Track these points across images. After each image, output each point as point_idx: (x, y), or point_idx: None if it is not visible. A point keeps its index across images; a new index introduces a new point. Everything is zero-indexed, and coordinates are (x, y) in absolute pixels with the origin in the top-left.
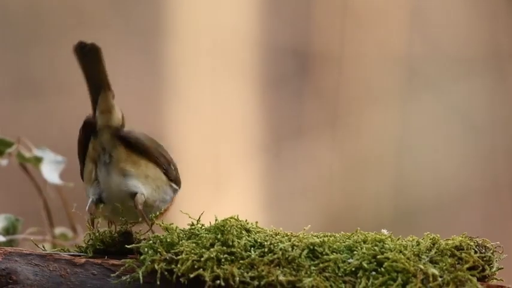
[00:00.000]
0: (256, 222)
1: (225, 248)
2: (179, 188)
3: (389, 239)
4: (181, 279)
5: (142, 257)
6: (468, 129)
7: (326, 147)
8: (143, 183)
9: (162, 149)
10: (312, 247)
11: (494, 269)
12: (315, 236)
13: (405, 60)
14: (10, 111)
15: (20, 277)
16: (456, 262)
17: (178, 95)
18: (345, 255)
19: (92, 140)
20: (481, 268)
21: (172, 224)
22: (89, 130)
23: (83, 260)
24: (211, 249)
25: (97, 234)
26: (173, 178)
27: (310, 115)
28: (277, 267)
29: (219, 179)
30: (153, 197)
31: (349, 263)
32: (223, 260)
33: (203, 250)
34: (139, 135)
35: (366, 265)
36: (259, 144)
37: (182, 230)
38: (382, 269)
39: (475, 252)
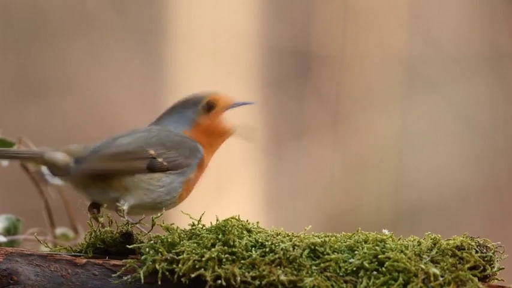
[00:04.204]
0: (258, 223)
1: (226, 248)
2: (184, 167)
3: (390, 239)
4: (182, 279)
5: (143, 257)
6: (469, 129)
7: (327, 148)
8: (125, 194)
9: (138, 149)
10: (313, 247)
11: (495, 269)
12: (316, 236)
13: (405, 61)
14: (11, 112)
15: (21, 277)
16: (457, 262)
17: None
18: (346, 255)
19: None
20: (482, 268)
21: (173, 224)
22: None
23: (84, 261)
24: (213, 249)
25: (98, 233)
26: (168, 168)
27: (311, 116)
28: (279, 267)
29: (220, 179)
30: (147, 197)
31: (350, 263)
32: (224, 260)
33: (204, 250)
34: (96, 159)
35: (367, 265)
36: (260, 145)
37: (183, 230)
38: (383, 269)
39: (476, 252)
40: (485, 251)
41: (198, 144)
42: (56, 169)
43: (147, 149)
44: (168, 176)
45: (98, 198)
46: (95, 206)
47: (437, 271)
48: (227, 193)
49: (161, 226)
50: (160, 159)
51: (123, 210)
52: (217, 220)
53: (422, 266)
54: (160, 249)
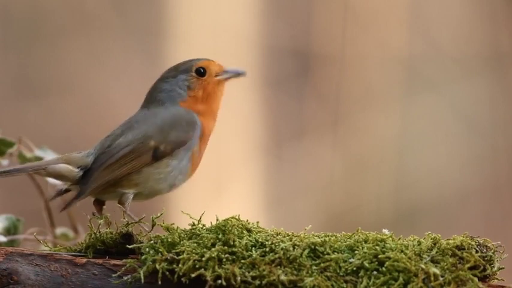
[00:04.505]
0: (258, 222)
1: (226, 247)
2: (187, 142)
3: (390, 238)
4: (182, 279)
5: (143, 257)
6: (469, 129)
7: (327, 148)
8: (135, 189)
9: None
10: (313, 247)
11: (495, 269)
12: (316, 236)
13: (405, 61)
14: (11, 112)
15: (21, 277)
16: (457, 262)
17: None
18: (346, 254)
19: None
20: (482, 268)
21: (173, 224)
22: None
23: (84, 260)
24: (213, 249)
25: (97, 235)
26: (173, 149)
27: (311, 116)
28: (279, 267)
29: (220, 179)
30: (159, 186)
31: (351, 263)
32: (224, 260)
33: (204, 250)
34: (97, 178)
35: (367, 265)
36: (260, 145)
37: (183, 230)
38: (384, 269)
39: (476, 251)
40: (485, 250)
41: (194, 114)
42: (62, 179)
43: (147, 142)
44: (174, 158)
45: (109, 199)
46: (100, 202)
47: (437, 271)
48: (227, 193)
49: (161, 226)
50: (162, 146)
51: (127, 204)
52: (217, 220)
53: (423, 266)
54: (160, 249)
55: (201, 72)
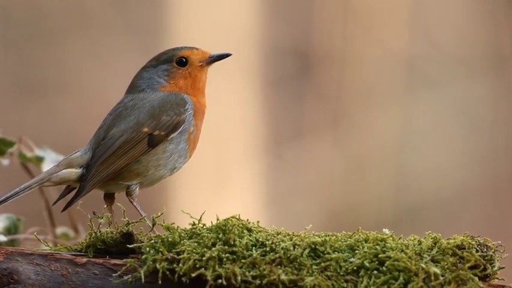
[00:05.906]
0: (258, 222)
1: (226, 247)
2: (181, 125)
3: (390, 238)
4: (183, 279)
5: (144, 257)
6: (469, 129)
7: (327, 147)
8: (138, 179)
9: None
10: (313, 246)
11: (495, 268)
12: (316, 236)
13: (406, 60)
14: (11, 111)
15: (22, 277)
16: (458, 261)
17: None
18: (347, 254)
19: None
20: (482, 267)
21: (173, 223)
22: None
23: (85, 260)
24: (213, 249)
25: (98, 234)
26: (167, 134)
27: (311, 115)
28: (279, 267)
29: (221, 179)
30: (160, 172)
31: (351, 262)
32: (224, 259)
33: (205, 249)
34: (97, 172)
35: (367, 264)
36: (261, 145)
37: (184, 230)
38: (384, 268)
39: (477, 251)
40: (485, 250)
41: (183, 94)
42: (67, 183)
43: (141, 130)
44: (170, 142)
45: (115, 190)
46: (110, 196)
47: (437, 270)
48: (227, 192)
49: (162, 225)
50: (156, 132)
51: (135, 195)
52: (217, 219)
53: (423, 265)
54: (160, 249)
55: (182, 62)
